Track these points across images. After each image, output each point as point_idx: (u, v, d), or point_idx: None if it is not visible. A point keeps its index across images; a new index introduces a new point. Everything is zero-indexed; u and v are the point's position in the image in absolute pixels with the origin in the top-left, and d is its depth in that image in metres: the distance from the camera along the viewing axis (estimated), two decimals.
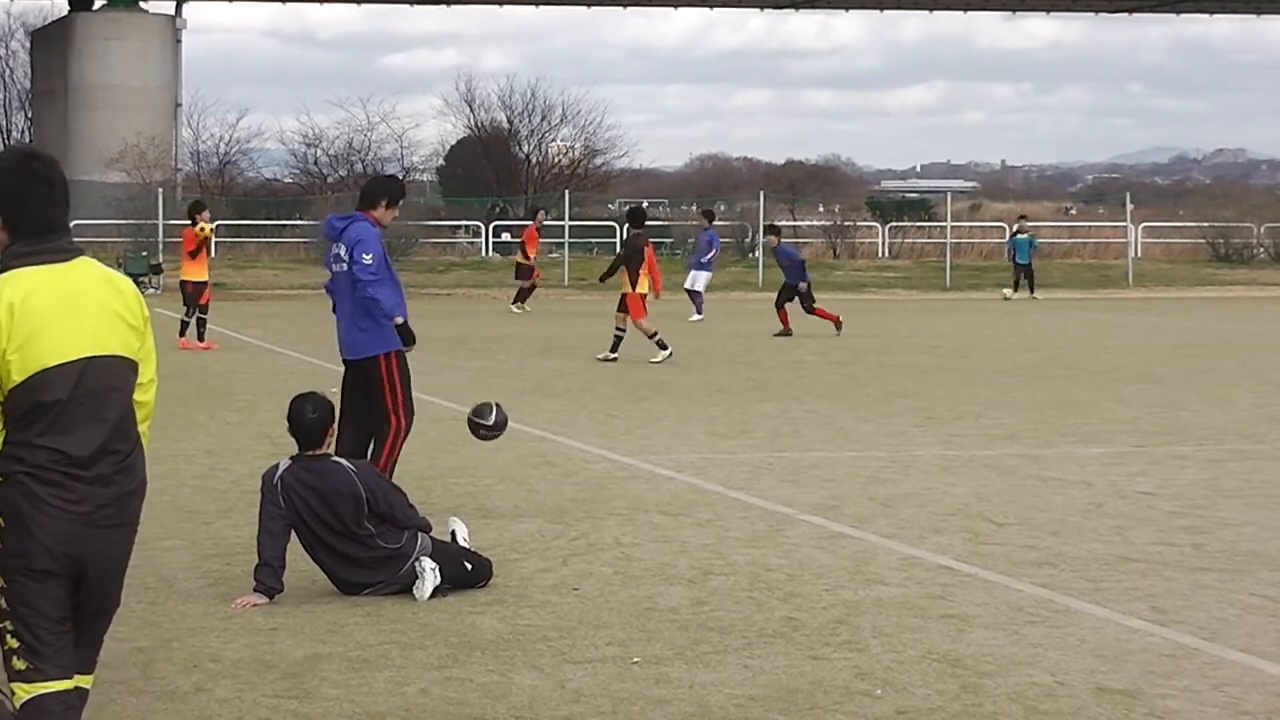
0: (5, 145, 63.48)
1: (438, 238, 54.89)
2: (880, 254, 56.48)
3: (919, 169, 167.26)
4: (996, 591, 9.17)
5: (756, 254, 47.32)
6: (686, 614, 8.62)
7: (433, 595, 8.88)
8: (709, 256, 34.53)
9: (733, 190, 70.92)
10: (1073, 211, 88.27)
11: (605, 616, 8.56)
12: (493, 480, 12.80)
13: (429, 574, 8.90)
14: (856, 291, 44.57)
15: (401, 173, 68.54)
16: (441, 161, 73.85)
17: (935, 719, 6.94)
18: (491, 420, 11.20)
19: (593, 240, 55.31)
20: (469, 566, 9.15)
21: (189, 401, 17.72)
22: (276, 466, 9.05)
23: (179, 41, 59.00)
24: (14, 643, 5.22)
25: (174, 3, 59.22)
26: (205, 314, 25.41)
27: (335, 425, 9.22)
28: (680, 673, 7.54)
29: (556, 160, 71.48)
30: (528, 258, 35.81)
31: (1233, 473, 13.36)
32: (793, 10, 70.12)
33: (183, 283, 25.59)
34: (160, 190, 46.55)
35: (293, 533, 8.93)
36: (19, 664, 5.23)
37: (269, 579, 8.80)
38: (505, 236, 56.78)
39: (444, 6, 62.67)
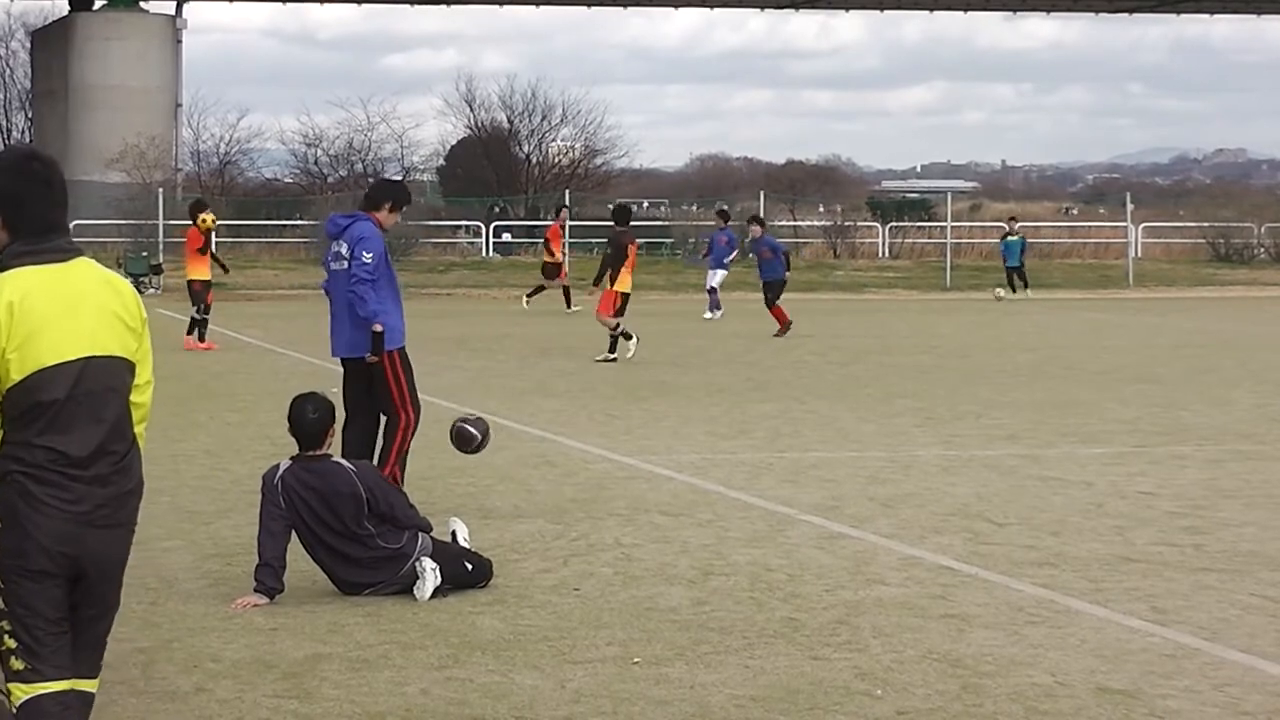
0: (5, 145, 63.46)
1: (438, 238, 54.87)
2: (880, 254, 56.48)
3: (919, 169, 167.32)
4: (997, 591, 9.17)
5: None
6: (687, 614, 8.62)
7: (433, 595, 8.88)
8: (730, 257, 34.49)
9: (733, 190, 70.90)
10: (1074, 211, 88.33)
11: (606, 617, 8.56)
12: (493, 480, 12.80)
13: (429, 574, 8.90)
14: (857, 291, 44.59)
15: (401, 172, 68.59)
16: (442, 161, 73.89)
17: (935, 719, 6.95)
18: (477, 440, 10.98)
19: (593, 240, 55.30)
20: (469, 567, 9.15)
21: (189, 402, 17.72)
22: (277, 467, 9.05)
23: (179, 41, 58.97)
24: (11, 643, 5.22)
25: (174, 3, 59.22)
26: (207, 314, 25.41)
27: (335, 426, 9.23)
28: (681, 673, 7.54)
29: (557, 160, 71.49)
30: (553, 255, 35.75)
31: (1233, 473, 13.36)
32: (793, 10, 70.13)
33: (190, 281, 25.56)
34: (160, 190, 46.57)
35: (293, 533, 8.94)
36: (17, 664, 5.23)
37: (269, 579, 8.80)
38: (506, 237, 56.80)
39: (444, 6, 62.68)
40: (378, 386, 11.42)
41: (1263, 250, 54.90)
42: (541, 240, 44.44)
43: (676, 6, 64.49)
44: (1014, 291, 40.99)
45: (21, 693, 5.24)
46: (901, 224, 61.27)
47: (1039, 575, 9.57)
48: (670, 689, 7.30)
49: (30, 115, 66.59)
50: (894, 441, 15.11)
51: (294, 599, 8.84)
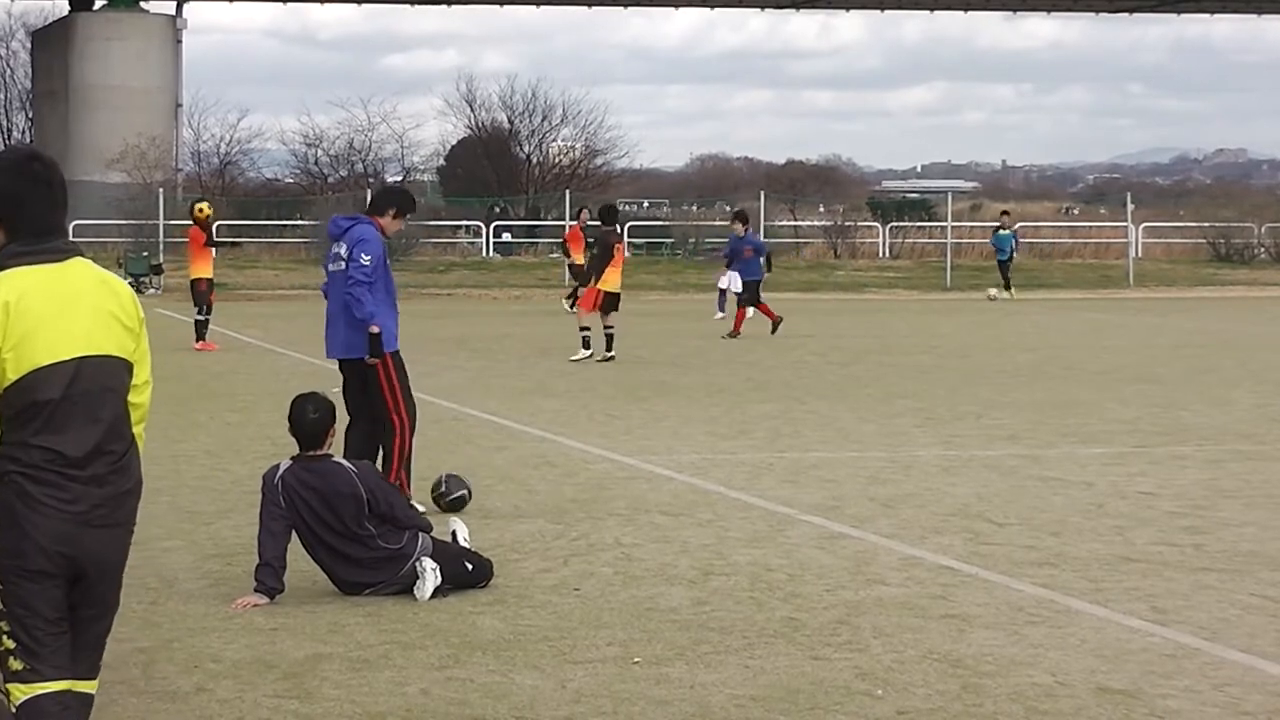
0: (6, 145, 63.46)
1: (438, 238, 54.84)
2: (881, 254, 56.46)
3: (919, 169, 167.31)
4: (997, 592, 9.17)
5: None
6: (687, 614, 8.62)
7: (433, 595, 8.88)
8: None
9: (733, 190, 70.91)
10: (1075, 211, 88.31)
11: (606, 617, 8.57)
12: (493, 480, 12.80)
13: (430, 574, 8.91)
14: (857, 291, 44.58)
15: (402, 173, 68.63)
16: (442, 161, 73.86)
17: (936, 719, 6.95)
18: (455, 493, 11.46)
19: (593, 240, 55.24)
20: (470, 567, 9.16)
21: (189, 402, 17.72)
22: (277, 467, 9.05)
23: (179, 42, 58.98)
24: (10, 643, 5.22)
25: (174, 3, 59.24)
26: (208, 314, 25.40)
27: (336, 426, 9.23)
28: (681, 673, 7.54)
29: (557, 160, 71.45)
30: (570, 256, 35.62)
31: (1233, 473, 13.36)
32: (793, 10, 70.13)
33: (194, 281, 25.50)
34: (161, 190, 46.57)
35: (293, 533, 8.94)
36: (15, 664, 5.24)
37: (270, 579, 8.80)
38: (506, 237, 56.78)
39: (444, 7, 62.71)
40: (371, 390, 11.41)
41: (1263, 250, 54.88)
42: (559, 241, 44.30)
43: (676, 6, 64.51)
44: (1007, 289, 40.89)
45: (20, 693, 5.24)
46: (902, 224, 61.26)
47: (1039, 575, 9.57)
48: (670, 689, 7.30)
49: (30, 115, 66.59)
50: (894, 442, 15.11)
51: (294, 599, 8.84)
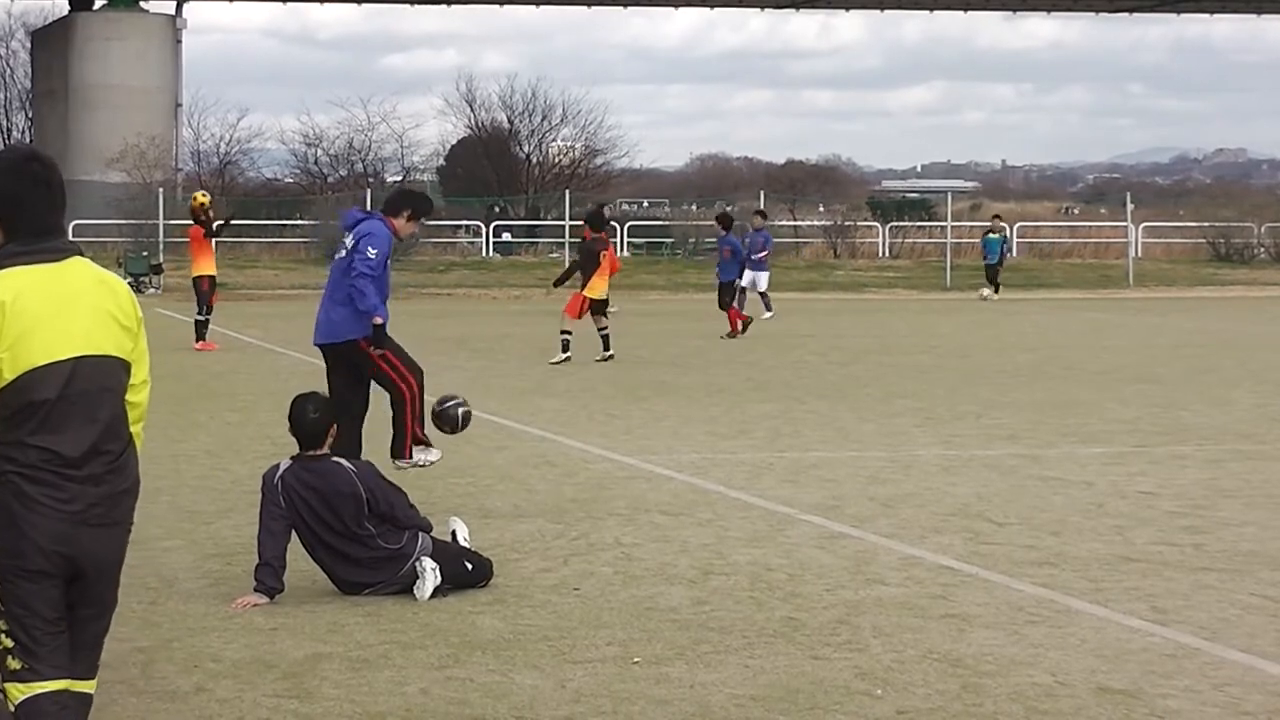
0: (5, 145, 63.46)
1: (438, 237, 54.86)
2: (880, 254, 56.49)
3: (919, 169, 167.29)
4: (997, 591, 9.17)
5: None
6: (687, 614, 8.62)
7: (433, 595, 8.88)
8: (761, 255, 34.39)
9: (733, 190, 70.92)
10: (1075, 211, 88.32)
11: (606, 616, 8.56)
12: (493, 480, 12.80)
13: (429, 574, 8.90)
14: (857, 291, 44.59)
15: (402, 172, 68.61)
16: (442, 161, 73.87)
17: (936, 719, 6.94)
18: (459, 411, 11.57)
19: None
20: (469, 566, 9.15)
21: (189, 401, 17.72)
22: (277, 466, 9.05)
23: (179, 41, 59.01)
24: (9, 642, 5.23)
25: (174, 3, 59.26)
26: (209, 314, 25.39)
27: (335, 425, 9.22)
28: (681, 672, 7.54)
29: (557, 160, 71.46)
30: None
31: (1233, 473, 13.36)
32: (793, 10, 70.12)
33: (197, 279, 25.42)
34: (161, 190, 46.56)
35: (293, 533, 8.94)
36: (14, 664, 5.24)
37: (269, 579, 8.80)
38: (506, 236, 56.79)
39: (444, 6, 62.72)
40: (366, 370, 11.44)
41: (1263, 250, 54.90)
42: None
43: (676, 6, 64.51)
44: (994, 290, 40.83)
45: (19, 692, 5.24)
46: (901, 224, 61.29)
47: (1039, 575, 9.57)
48: (670, 688, 7.30)
49: (30, 115, 66.61)
50: (894, 441, 15.11)
51: (294, 599, 8.84)
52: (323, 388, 9.99)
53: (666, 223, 60.01)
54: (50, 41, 61.13)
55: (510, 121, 71.44)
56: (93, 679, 5.42)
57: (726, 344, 26.41)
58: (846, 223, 57.92)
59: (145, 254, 41.57)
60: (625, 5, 64.18)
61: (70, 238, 5.49)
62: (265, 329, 29.11)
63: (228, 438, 15.21)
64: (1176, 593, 9.17)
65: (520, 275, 45.93)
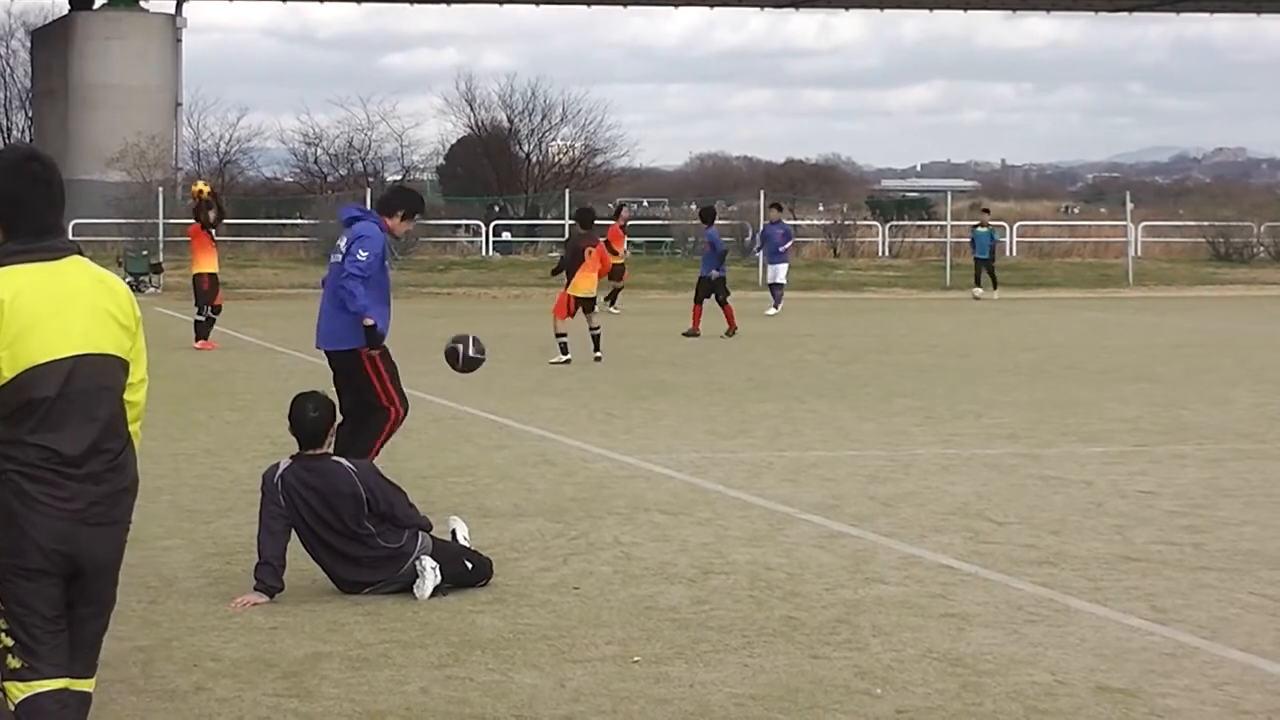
0: (5, 144, 63.46)
1: (438, 237, 54.87)
2: (880, 253, 56.49)
3: (919, 168, 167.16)
4: (996, 590, 9.17)
5: (756, 253, 47.35)
6: (687, 613, 8.62)
7: (433, 594, 8.88)
8: (785, 247, 34.31)
9: (733, 190, 70.91)
10: (1075, 210, 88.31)
11: (605, 615, 8.57)
12: (492, 479, 12.80)
13: (429, 573, 8.91)
14: (856, 290, 44.59)
15: (401, 172, 68.59)
16: (442, 161, 73.88)
17: (935, 718, 6.95)
18: (472, 350, 11.97)
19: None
20: (469, 565, 9.16)
21: (189, 401, 17.71)
22: (277, 466, 9.05)
23: (179, 41, 59.02)
24: (9, 641, 5.23)
25: (174, 2, 59.25)
26: (217, 314, 25.39)
27: (335, 425, 9.22)
28: (680, 671, 7.54)
29: (557, 159, 71.48)
30: (615, 254, 35.50)
31: (1233, 472, 13.36)
32: (793, 10, 70.13)
33: (196, 277, 25.36)
34: (160, 189, 46.55)
35: (293, 532, 8.94)
36: (14, 663, 5.24)
37: (269, 578, 8.80)
38: (505, 236, 56.78)
39: (444, 6, 62.69)
40: (360, 384, 11.44)
41: (1262, 249, 54.89)
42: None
43: (676, 6, 64.48)
44: (994, 286, 40.66)
45: (19, 691, 5.24)
46: (901, 223, 61.29)
47: (1039, 574, 9.57)
48: (670, 687, 7.30)
49: (30, 114, 66.62)
50: (894, 440, 15.11)
51: (294, 598, 8.84)
52: (322, 386, 9.99)
53: (666, 222, 60.02)
54: (50, 41, 61.14)
55: (510, 121, 71.51)
56: (92, 678, 5.43)
57: (726, 343, 26.41)
58: (846, 222, 57.92)
59: (145, 253, 41.55)
60: (625, 5, 64.17)
61: (70, 237, 5.49)
62: (265, 328, 29.11)
63: (227, 437, 15.21)
64: (1176, 592, 9.18)
65: (520, 275, 45.91)
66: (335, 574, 9.01)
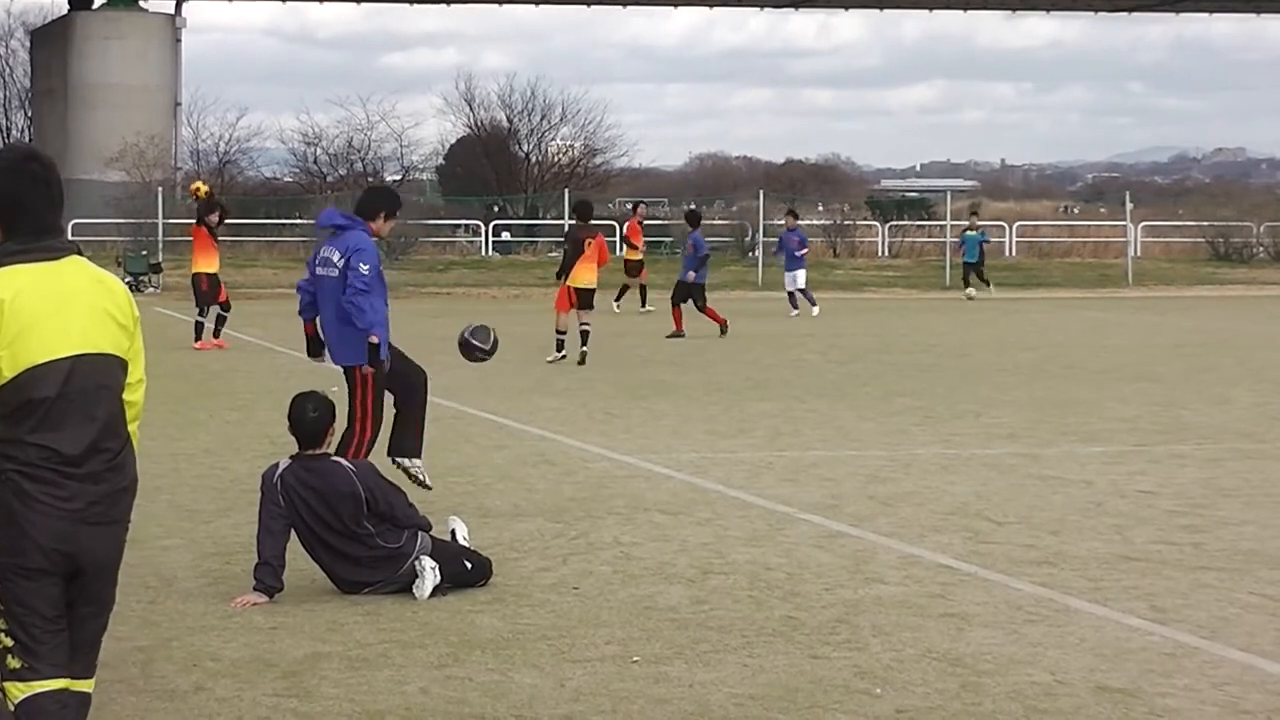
0: (4, 144, 63.46)
1: (437, 237, 54.86)
2: (880, 253, 56.48)
3: (919, 168, 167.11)
4: (996, 590, 9.17)
5: (756, 253, 47.37)
6: (686, 613, 8.62)
7: (432, 594, 8.88)
8: (802, 253, 34.28)
9: (732, 189, 70.94)
10: (1074, 210, 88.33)
11: (605, 615, 8.57)
12: (492, 479, 12.80)
13: (429, 573, 8.91)
14: (856, 290, 44.58)
15: (401, 171, 68.57)
16: (441, 160, 73.85)
17: (935, 718, 6.95)
18: (488, 345, 12.31)
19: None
20: (469, 565, 9.16)
21: (189, 400, 17.71)
22: (276, 466, 9.05)
23: (179, 40, 59.00)
24: (9, 641, 5.23)
25: (174, 2, 59.24)
26: (227, 312, 25.39)
27: (335, 425, 9.22)
28: (680, 671, 7.54)
29: (556, 159, 71.47)
30: (636, 250, 35.48)
31: (1232, 471, 13.36)
32: (793, 9, 70.12)
33: (195, 277, 25.34)
34: (160, 189, 46.54)
35: (292, 532, 8.94)
36: (14, 663, 5.24)
37: (269, 578, 8.80)
38: (505, 235, 56.77)
39: (444, 6, 62.66)
40: (349, 394, 11.41)
41: (1262, 249, 54.89)
42: (620, 237, 44.02)
43: (676, 5, 64.42)
44: (987, 286, 40.59)
45: (19, 691, 5.24)
46: (901, 223, 61.28)
47: (1038, 574, 9.57)
48: (669, 687, 7.30)
49: (30, 114, 66.59)
50: (893, 440, 15.11)
51: (293, 598, 8.84)
52: (321, 386, 9.97)
53: (666, 222, 60.02)
54: (50, 40, 61.13)
55: (509, 120, 71.49)
56: (91, 678, 5.43)
57: (726, 343, 26.41)
58: (846, 222, 57.90)
59: (144, 253, 41.53)
60: (625, 4, 64.13)
61: (69, 237, 5.49)
62: (265, 328, 29.11)
63: (227, 436, 15.21)
64: (1175, 591, 9.18)
65: (519, 274, 45.90)
66: (335, 574, 9.01)
